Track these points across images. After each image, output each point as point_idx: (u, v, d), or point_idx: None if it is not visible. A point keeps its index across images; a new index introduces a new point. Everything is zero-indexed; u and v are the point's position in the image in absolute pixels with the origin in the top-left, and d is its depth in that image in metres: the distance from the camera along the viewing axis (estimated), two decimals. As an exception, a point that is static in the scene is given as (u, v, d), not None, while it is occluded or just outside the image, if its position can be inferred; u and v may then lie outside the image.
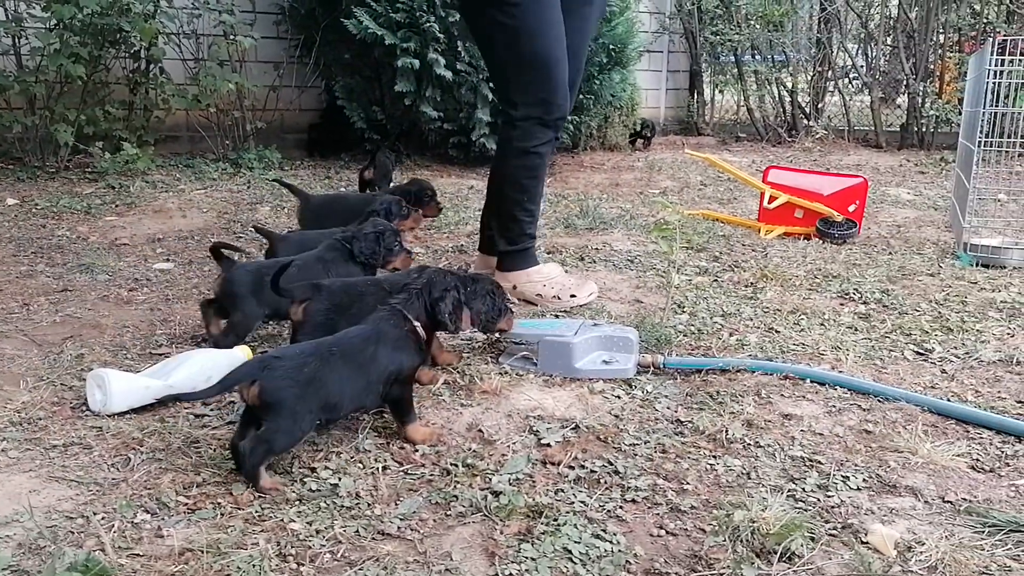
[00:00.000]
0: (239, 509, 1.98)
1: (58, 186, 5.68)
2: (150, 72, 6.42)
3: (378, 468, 2.20)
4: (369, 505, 2.02)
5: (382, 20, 6.29)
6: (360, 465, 2.22)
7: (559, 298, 3.60)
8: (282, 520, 1.94)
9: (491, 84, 6.51)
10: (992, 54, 4.36)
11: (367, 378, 2.25)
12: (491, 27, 3.44)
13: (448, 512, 2.01)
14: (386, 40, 6.25)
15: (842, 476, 2.21)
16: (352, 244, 3.14)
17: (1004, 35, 6.72)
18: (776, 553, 1.86)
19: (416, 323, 2.41)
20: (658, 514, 2.04)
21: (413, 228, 3.92)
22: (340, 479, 2.13)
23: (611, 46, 7.16)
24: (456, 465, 2.22)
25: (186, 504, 2.00)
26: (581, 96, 7.16)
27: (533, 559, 1.82)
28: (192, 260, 4.26)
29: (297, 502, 2.03)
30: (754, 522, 1.94)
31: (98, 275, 3.92)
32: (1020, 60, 4.81)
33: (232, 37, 6.47)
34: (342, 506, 2.01)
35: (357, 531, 1.91)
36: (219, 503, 2.00)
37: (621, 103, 8.44)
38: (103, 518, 1.94)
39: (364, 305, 2.71)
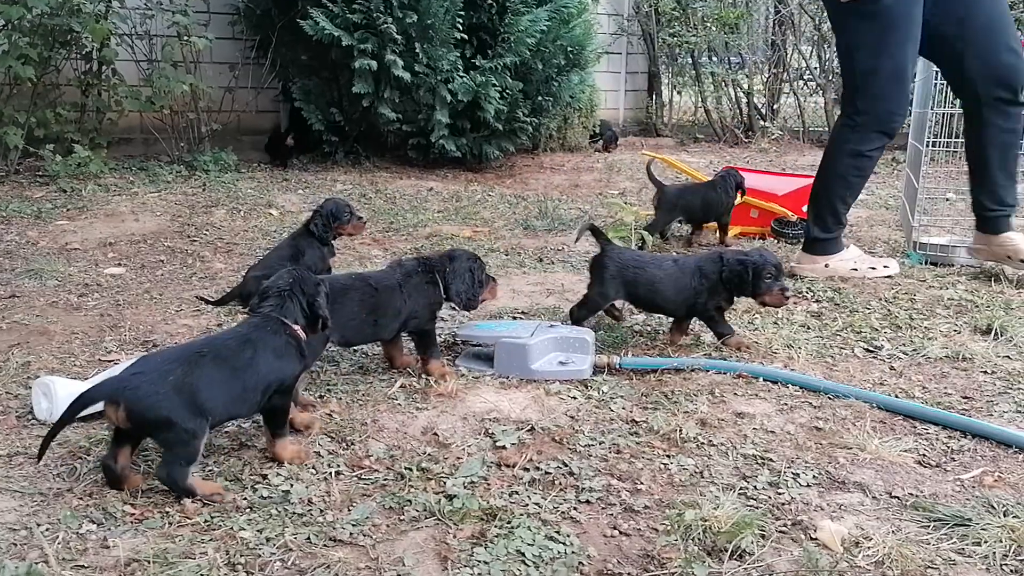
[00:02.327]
0: (187, 518, 1.95)
1: (7, 190, 5.56)
2: (102, 73, 6.30)
3: (331, 473, 2.18)
4: (321, 511, 2.01)
5: (339, 21, 6.25)
6: (313, 471, 2.20)
7: (875, 268, 4.09)
8: (231, 528, 1.91)
9: (447, 85, 6.50)
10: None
11: (242, 385, 2.11)
12: (852, 36, 3.79)
13: (401, 517, 2.00)
14: (343, 41, 6.21)
15: (792, 473, 2.24)
16: (724, 264, 3.16)
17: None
18: (727, 551, 1.87)
19: (295, 326, 2.27)
20: (612, 515, 2.05)
21: (353, 234, 3.96)
22: (292, 485, 2.11)
23: (569, 48, 7.19)
24: (410, 469, 2.21)
25: (132, 514, 1.96)
26: (540, 98, 7.18)
27: (486, 563, 1.82)
28: (144, 264, 4.19)
29: (248, 510, 2.00)
30: (706, 521, 1.96)
31: (47, 281, 3.84)
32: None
33: (186, 38, 6.37)
34: (293, 513, 1.99)
35: (308, 538, 1.89)
36: (167, 512, 1.96)
37: (580, 104, 8.48)
38: (47, 529, 1.90)
39: (349, 300, 2.69)
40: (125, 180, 6.01)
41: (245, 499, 2.05)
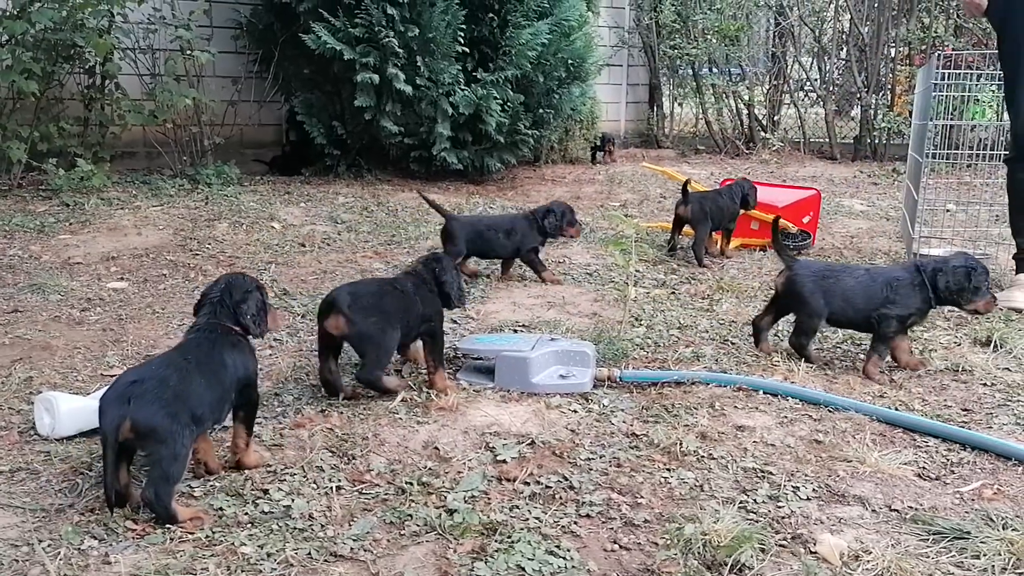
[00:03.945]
0: (189, 534, 1.95)
1: (10, 204, 5.58)
2: (105, 88, 6.33)
3: (332, 488, 2.19)
4: (322, 526, 2.01)
5: (341, 35, 6.28)
6: (314, 485, 2.20)
7: None
8: (232, 544, 1.92)
9: (449, 98, 6.53)
10: (938, 68, 4.47)
11: (222, 386, 2.17)
12: None
13: (402, 531, 2.01)
14: (345, 55, 6.24)
15: (792, 486, 2.25)
16: (934, 276, 3.01)
17: (951, 49, 6.90)
18: (727, 565, 1.88)
19: (235, 328, 2.31)
20: (612, 529, 2.05)
21: (573, 236, 4.43)
22: (293, 500, 2.11)
23: (570, 60, 7.21)
24: (411, 483, 2.22)
25: (134, 530, 1.97)
26: (541, 110, 7.21)
27: (486, 577, 1.83)
28: (147, 278, 4.21)
29: (249, 525, 2.01)
30: (706, 535, 1.96)
31: (50, 295, 3.86)
32: (966, 74, 4.94)
33: (189, 52, 6.41)
34: (295, 528, 2.00)
35: (309, 553, 1.90)
36: (168, 528, 1.97)
37: (581, 116, 8.51)
38: (49, 545, 1.91)
39: (385, 304, 2.79)
40: (128, 194, 6.03)
41: (246, 514, 2.06)
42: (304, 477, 2.24)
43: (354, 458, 2.36)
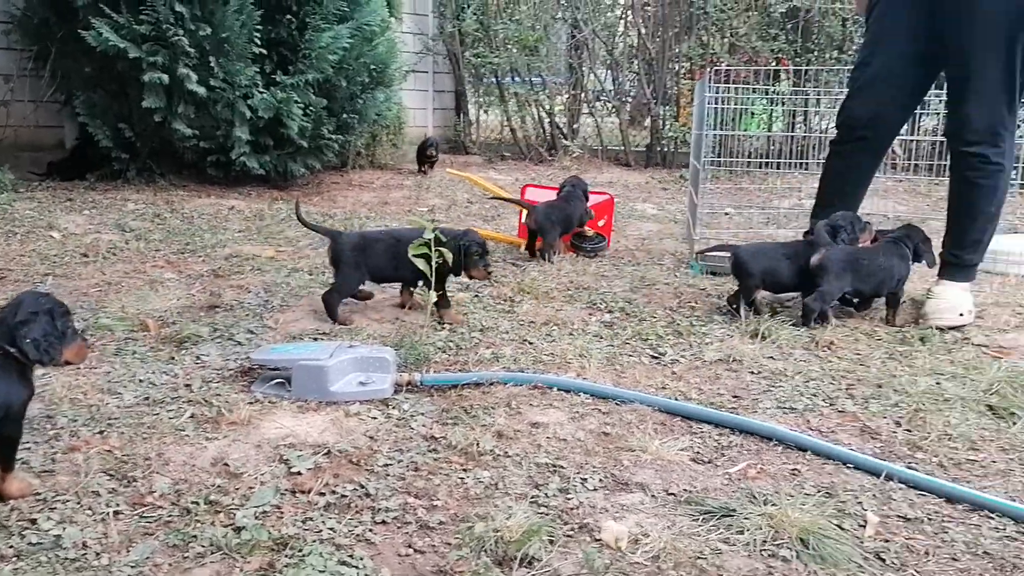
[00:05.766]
0: (-61, 575, 1.78)
1: None
2: None
3: (109, 513, 2.06)
4: (97, 555, 1.89)
5: (125, 32, 5.92)
6: (89, 512, 2.06)
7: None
8: (-8, 581, 1.77)
9: (247, 101, 6.31)
10: (709, 83, 4.84)
11: None
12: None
13: (186, 554, 1.92)
14: (130, 53, 5.89)
15: (581, 478, 2.35)
16: None
17: (726, 65, 7.48)
18: (516, 559, 1.94)
19: (12, 349, 2.10)
20: (407, 533, 2.07)
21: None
22: (65, 529, 1.97)
23: (372, 66, 7.19)
24: (197, 503, 2.13)
25: None
26: (345, 115, 7.13)
27: (275, 593, 1.79)
28: None
29: (14, 559, 1.86)
30: (497, 531, 2.01)
31: None
32: (737, 88, 5.37)
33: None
34: (65, 559, 1.87)
35: (81, 584, 1.78)
36: (-86, 571, 1.79)
37: (388, 122, 8.49)
38: None
39: (374, 251, 3.70)
40: None
41: (11, 547, 1.90)
42: (78, 504, 2.10)
43: (135, 480, 2.23)
